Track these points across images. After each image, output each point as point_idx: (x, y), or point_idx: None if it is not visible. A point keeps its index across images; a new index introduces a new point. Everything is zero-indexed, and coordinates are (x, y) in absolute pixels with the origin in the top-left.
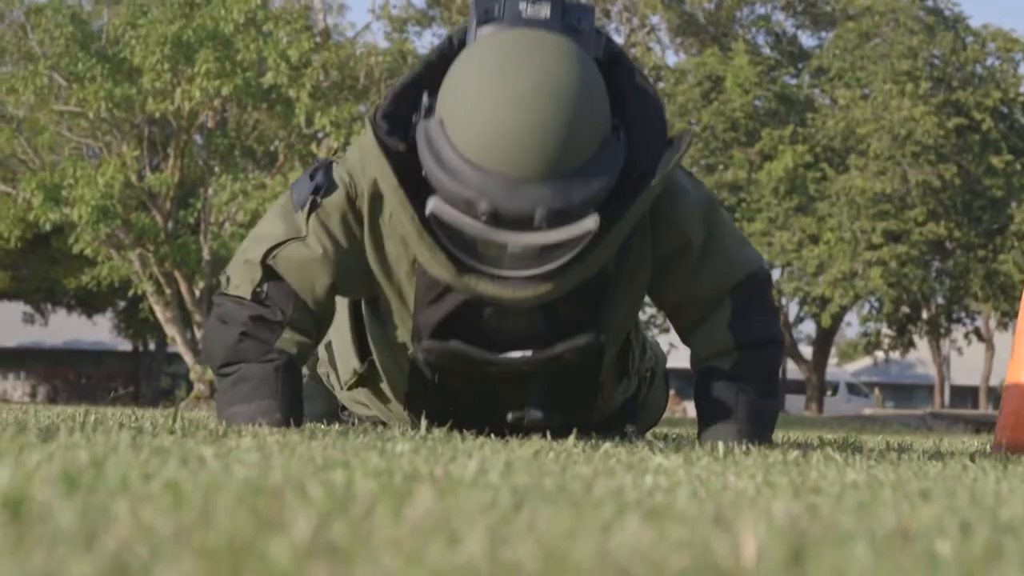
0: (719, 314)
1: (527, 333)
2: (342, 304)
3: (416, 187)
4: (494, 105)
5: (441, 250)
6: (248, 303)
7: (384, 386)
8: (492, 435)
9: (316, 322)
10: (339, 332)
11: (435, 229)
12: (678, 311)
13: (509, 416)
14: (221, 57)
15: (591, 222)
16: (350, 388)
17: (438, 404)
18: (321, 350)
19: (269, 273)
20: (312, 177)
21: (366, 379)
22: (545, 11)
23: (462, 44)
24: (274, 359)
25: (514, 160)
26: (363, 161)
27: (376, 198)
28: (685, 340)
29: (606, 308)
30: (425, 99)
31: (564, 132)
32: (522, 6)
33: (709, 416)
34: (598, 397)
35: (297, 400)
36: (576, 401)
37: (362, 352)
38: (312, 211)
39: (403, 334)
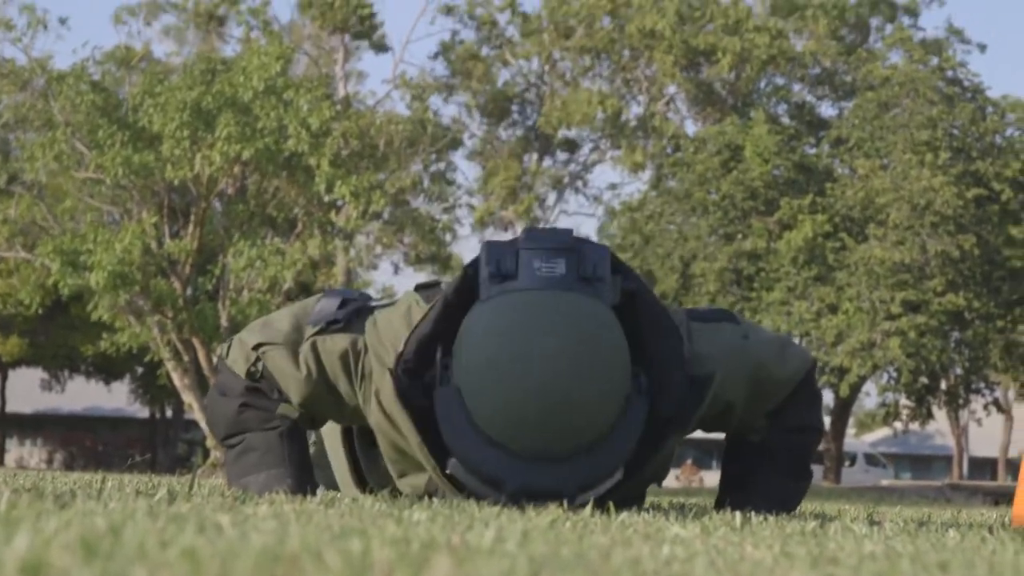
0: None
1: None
2: (335, 436)
3: (439, 441)
4: (512, 383)
5: (455, 491)
6: (243, 379)
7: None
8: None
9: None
10: (337, 460)
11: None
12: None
13: None
14: (241, 122)
15: (617, 475)
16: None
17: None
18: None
19: (259, 362)
20: (343, 304)
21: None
22: (560, 268)
23: (476, 290)
24: (277, 426)
25: (535, 443)
26: (382, 338)
27: (381, 392)
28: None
29: (636, 468)
30: (439, 357)
31: (584, 413)
32: (536, 264)
33: (730, 486)
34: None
35: (305, 465)
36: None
37: (360, 482)
38: (317, 335)
39: (417, 469)
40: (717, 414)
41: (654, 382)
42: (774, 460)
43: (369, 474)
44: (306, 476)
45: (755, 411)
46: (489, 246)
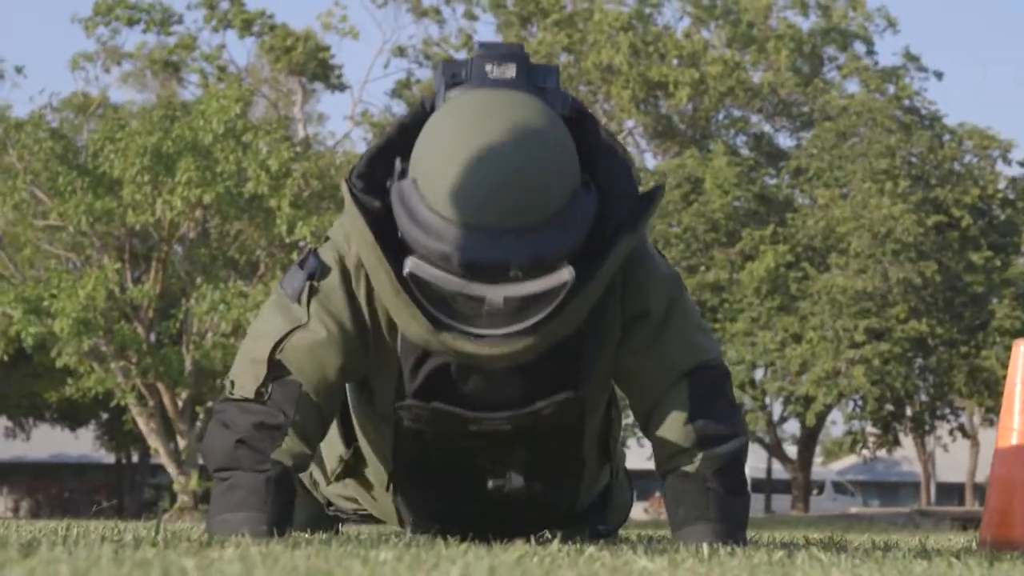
0: (676, 404)
1: (507, 396)
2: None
3: (394, 248)
4: (464, 161)
5: (418, 308)
6: (250, 406)
7: (369, 472)
8: (476, 537)
9: (320, 421)
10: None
11: (413, 288)
12: (631, 386)
13: (490, 483)
14: (201, 166)
15: (566, 273)
16: (336, 479)
17: (421, 479)
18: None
19: (274, 371)
20: (302, 266)
21: (351, 467)
22: (511, 71)
23: (434, 108)
24: (267, 470)
25: (487, 213)
26: (348, 233)
27: (363, 268)
28: (645, 430)
29: (584, 366)
30: (398, 163)
31: (534, 184)
32: (488, 67)
33: (683, 519)
34: (583, 472)
35: (287, 514)
36: (559, 471)
37: (347, 437)
38: (312, 296)
39: (387, 400)
40: (632, 316)
41: (604, 192)
42: (711, 482)
43: (356, 416)
44: (283, 525)
45: (662, 378)
46: (444, 64)
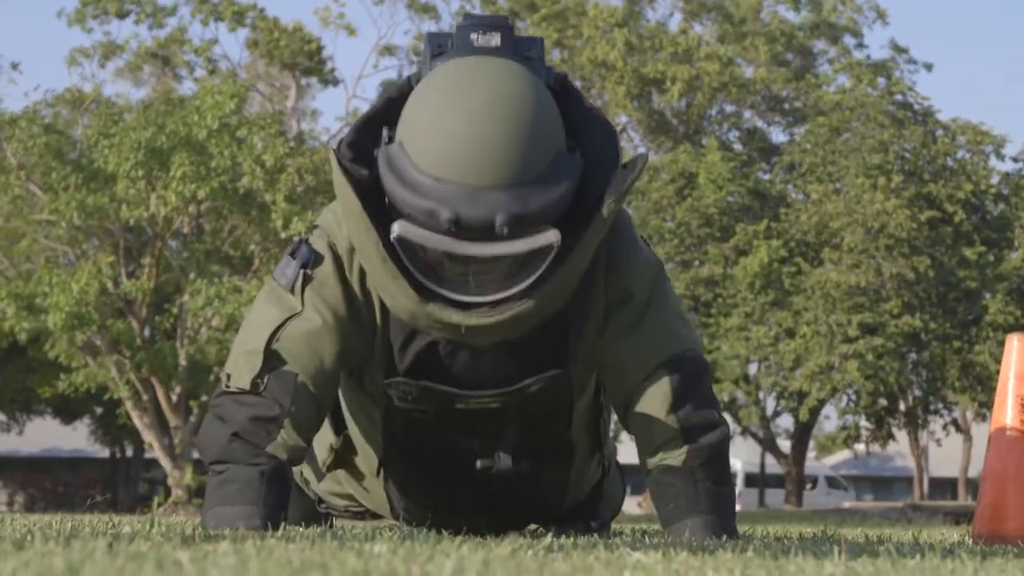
0: (657, 393)
1: (495, 375)
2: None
3: (382, 219)
4: (450, 120)
5: (405, 277)
6: (246, 398)
7: (359, 460)
8: (469, 529)
9: (317, 411)
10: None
11: (400, 254)
12: (609, 372)
13: (478, 464)
14: (196, 161)
15: (552, 235)
16: (328, 470)
17: (411, 464)
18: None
19: (270, 360)
20: (293, 256)
21: (342, 457)
22: (495, 40)
23: (420, 80)
24: (261, 464)
25: (472, 170)
26: (338, 218)
27: (354, 252)
28: (624, 419)
29: (571, 344)
30: (385, 132)
31: (519, 142)
32: (473, 36)
33: (673, 514)
34: (573, 458)
35: (281, 507)
36: (548, 454)
37: (337, 426)
38: (306, 284)
39: (376, 381)
40: (615, 301)
41: (588, 159)
42: (697, 474)
43: (346, 401)
44: (278, 519)
45: (642, 365)
46: (430, 35)
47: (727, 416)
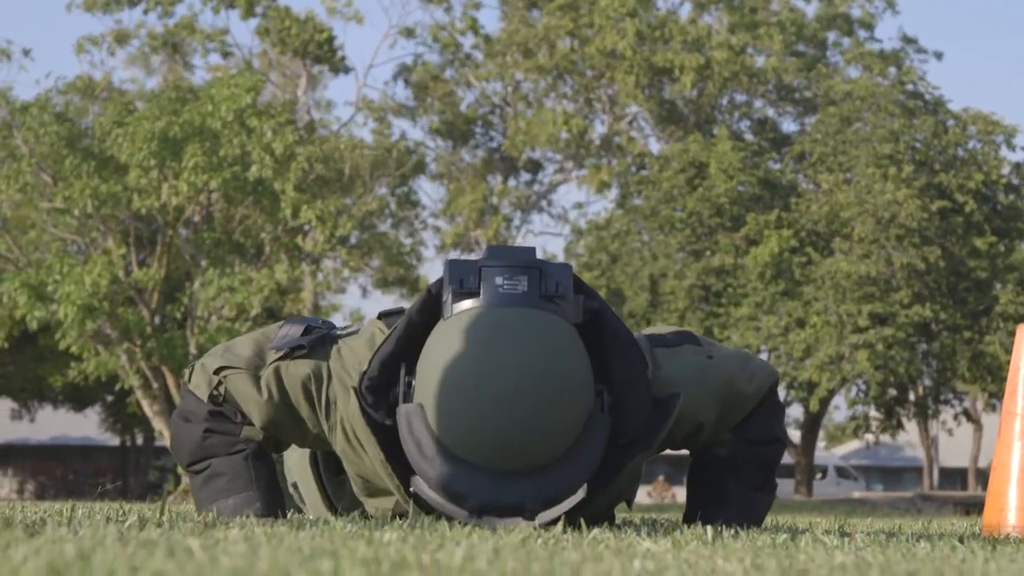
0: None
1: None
2: (304, 462)
3: (400, 452)
4: (473, 400)
5: (417, 509)
6: (205, 403)
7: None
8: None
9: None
10: (305, 485)
11: (415, 500)
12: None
13: None
14: (208, 151)
15: (580, 493)
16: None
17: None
18: (288, 483)
19: (220, 386)
20: (307, 332)
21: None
22: (522, 285)
23: (439, 298)
24: (242, 450)
25: (499, 458)
26: (348, 368)
27: (346, 419)
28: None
29: (600, 486)
30: (403, 374)
31: (546, 426)
32: (498, 280)
33: (698, 499)
34: None
35: (274, 486)
36: None
37: (331, 507)
38: (280, 360)
39: (384, 492)
40: (688, 434)
41: (617, 401)
42: (740, 473)
43: (337, 499)
44: (275, 498)
45: (722, 426)
46: (451, 264)
47: None
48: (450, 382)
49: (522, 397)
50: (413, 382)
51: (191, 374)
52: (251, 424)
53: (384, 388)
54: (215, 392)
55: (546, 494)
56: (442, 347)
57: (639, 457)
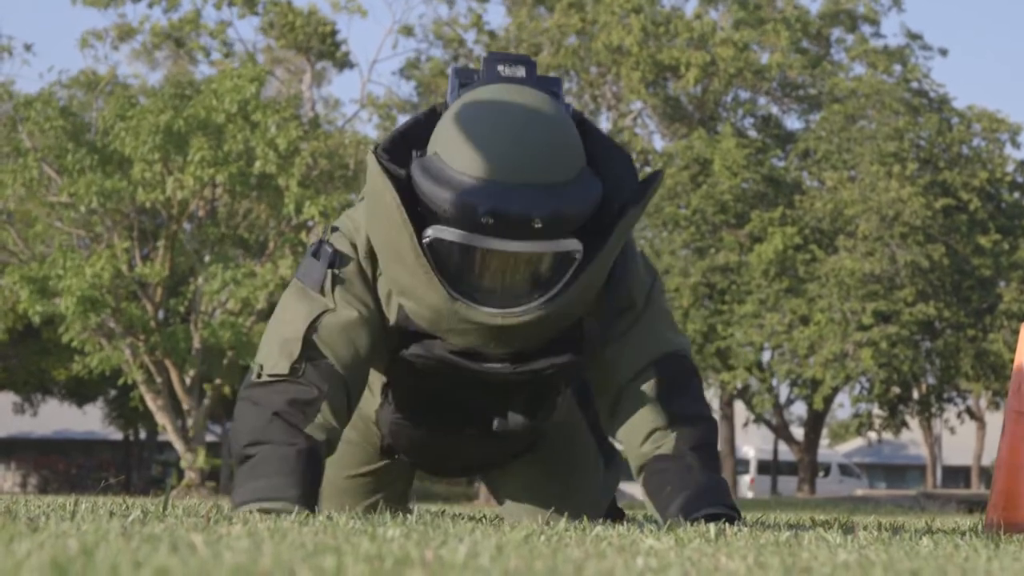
0: (646, 387)
1: (509, 354)
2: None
3: (414, 224)
4: (486, 127)
5: (436, 274)
6: (281, 386)
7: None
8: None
9: (349, 401)
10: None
11: (431, 260)
12: (601, 371)
13: (495, 424)
14: (213, 145)
15: (576, 243)
16: None
17: (412, 418)
18: None
19: (308, 349)
20: (316, 256)
21: None
22: (521, 72)
23: (446, 107)
24: (298, 444)
25: (509, 169)
26: (358, 224)
27: (373, 255)
28: (612, 415)
29: (585, 336)
30: (414, 154)
31: (551, 148)
32: (500, 67)
33: (669, 496)
34: (553, 412)
35: (315, 483)
36: (541, 411)
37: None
38: (336, 284)
39: (384, 353)
40: (619, 308)
41: (606, 180)
42: (691, 457)
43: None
44: (312, 494)
45: (632, 366)
46: (455, 68)
47: (739, 403)
48: (461, 125)
49: (527, 121)
50: (424, 151)
51: (261, 367)
52: (328, 402)
53: (397, 160)
54: (296, 365)
55: (555, 206)
56: (452, 114)
57: (632, 213)
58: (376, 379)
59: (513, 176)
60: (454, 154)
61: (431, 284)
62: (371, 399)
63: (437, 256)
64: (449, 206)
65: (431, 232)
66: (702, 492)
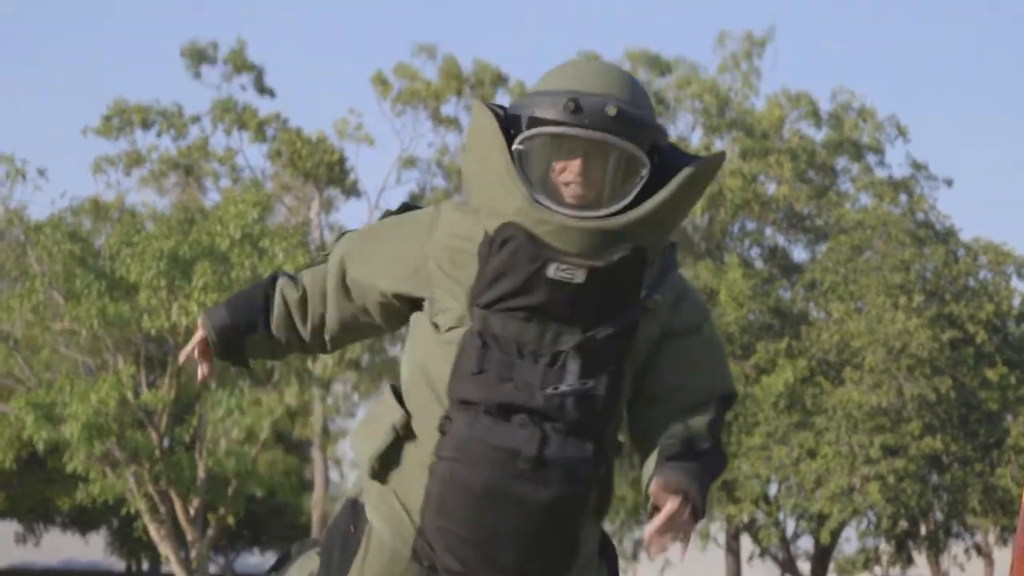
0: (693, 421)
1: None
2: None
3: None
4: (574, 69)
5: (521, 177)
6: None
7: (412, 448)
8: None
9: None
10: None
11: (519, 166)
12: (658, 402)
13: (547, 390)
14: (218, 272)
15: (644, 156)
16: (379, 464)
17: (469, 418)
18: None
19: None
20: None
21: (392, 454)
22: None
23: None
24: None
25: (593, 84)
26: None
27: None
28: (645, 434)
29: (637, 316)
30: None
31: (631, 91)
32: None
33: (654, 463)
34: (605, 439)
35: (250, 302)
36: (604, 398)
37: (399, 402)
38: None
39: (453, 316)
40: (684, 330)
41: (671, 154)
42: (691, 454)
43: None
44: (241, 298)
45: (694, 399)
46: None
47: (746, 537)
48: (549, 77)
49: (612, 71)
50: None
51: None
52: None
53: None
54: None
55: (628, 104)
56: (534, 85)
57: (696, 166)
58: (433, 416)
59: (598, 87)
60: (541, 86)
61: (516, 189)
62: (427, 443)
63: (524, 165)
64: (533, 103)
65: (518, 140)
66: (682, 467)
